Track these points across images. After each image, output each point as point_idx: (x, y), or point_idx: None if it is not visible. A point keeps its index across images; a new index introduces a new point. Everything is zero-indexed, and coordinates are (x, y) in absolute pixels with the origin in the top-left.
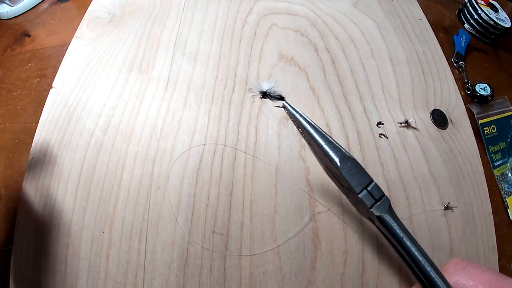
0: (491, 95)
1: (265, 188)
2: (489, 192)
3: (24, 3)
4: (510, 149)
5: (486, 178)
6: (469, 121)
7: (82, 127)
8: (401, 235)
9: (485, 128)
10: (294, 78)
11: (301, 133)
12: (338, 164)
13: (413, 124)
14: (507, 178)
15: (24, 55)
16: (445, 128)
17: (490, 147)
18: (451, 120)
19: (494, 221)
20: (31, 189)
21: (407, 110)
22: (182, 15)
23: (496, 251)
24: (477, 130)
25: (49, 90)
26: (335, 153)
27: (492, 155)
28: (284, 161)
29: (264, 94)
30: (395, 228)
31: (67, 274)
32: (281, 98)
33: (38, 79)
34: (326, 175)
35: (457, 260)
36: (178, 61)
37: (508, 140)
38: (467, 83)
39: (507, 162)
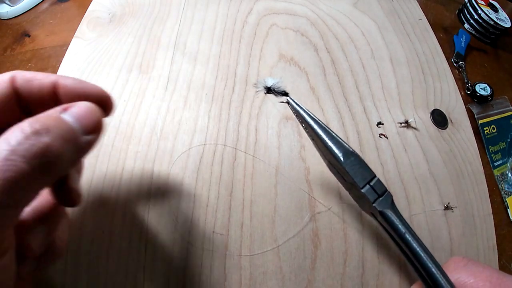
0: (491, 95)
1: (265, 188)
2: (489, 192)
3: (24, 3)
4: (510, 149)
5: (486, 178)
6: (469, 121)
7: None
8: (403, 230)
9: (485, 128)
10: (294, 78)
11: (304, 128)
12: (342, 159)
13: (413, 124)
14: (507, 178)
15: (24, 55)
16: (445, 128)
17: (490, 147)
18: (451, 120)
19: (494, 221)
20: None
21: (407, 110)
22: (182, 15)
23: (496, 251)
24: (477, 130)
25: None
26: (338, 148)
27: (492, 155)
28: (284, 161)
29: (269, 90)
30: (397, 223)
31: (67, 274)
32: (285, 93)
33: None
34: (326, 175)
35: (457, 258)
36: (178, 61)
37: (508, 140)
38: (467, 83)
39: (507, 162)
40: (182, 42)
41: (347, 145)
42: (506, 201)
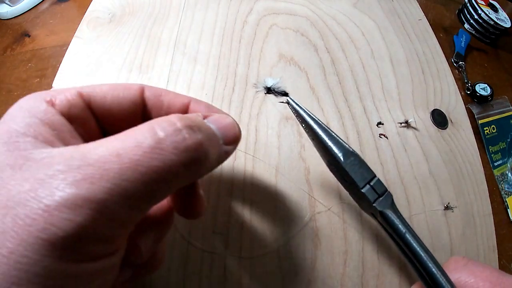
0: (491, 95)
1: (265, 188)
2: (489, 192)
3: (24, 3)
4: (510, 149)
5: (486, 178)
6: (469, 121)
7: None
8: (404, 230)
9: (485, 128)
10: (294, 78)
11: (304, 129)
12: (341, 159)
13: (413, 124)
14: (507, 178)
15: (24, 55)
16: (445, 128)
17: (490, 147)
18: (451, 120)
19: (494, 221)
20: None
21: (407, 110)
22: (182, 15)
23: (496, 251)
24: (477, 130)
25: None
26: (338, 148)
27: (492, 155)
28: (284, 161)
29: (269, 90)
30: (398, 223)
31: None
32: (285, 94)
33: (38, 79)
34: (326, 175)
35: (457, 258)
36: (178, 61)
37: (508, 140)
38: (467, 83)
39: (507, 162)
40: (182, 42)
41: (347, 145)
42: (506, 201)
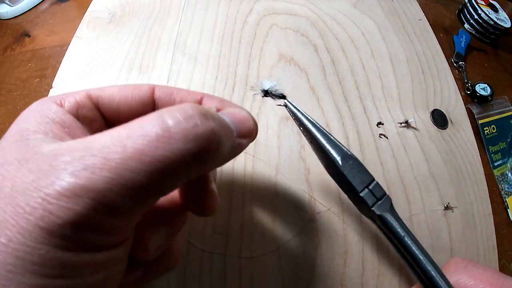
0: (491, 95)
1: (265, 188)
2: (489, 192)
3: (24, 3)
4: (510, 149)
5: (486, 178)
6: (469, 121)
7: None
8: (402, 234)
9: (485, 128)
10: (294, 78)
11: (302, 131)
12: (340, 162)
13: (413, 124)
14: (507, 178)
15: (24, 55)
16: (445, 128)
17: (490, 147)
18: (451, 120)
19: (494, 221)
20: None
21: (407, 110)
22: (182, 15)
23: (496, 251)
24: (477, 130)
25: (49, 90)
26: (337, 151)
27: (492, 155)
28: (284, 161)
29: (266, 93)
30: (396, 227)
31: None
32: (283, 96)
33: (38, 79)
34: (326, 175)
35: (457, 259)
36: (178, 61)
37: (508, 140)
38: (467, 83)
39: (507, 162)
40: (182, 42)
41: (345, 149)
42: (506, 201)
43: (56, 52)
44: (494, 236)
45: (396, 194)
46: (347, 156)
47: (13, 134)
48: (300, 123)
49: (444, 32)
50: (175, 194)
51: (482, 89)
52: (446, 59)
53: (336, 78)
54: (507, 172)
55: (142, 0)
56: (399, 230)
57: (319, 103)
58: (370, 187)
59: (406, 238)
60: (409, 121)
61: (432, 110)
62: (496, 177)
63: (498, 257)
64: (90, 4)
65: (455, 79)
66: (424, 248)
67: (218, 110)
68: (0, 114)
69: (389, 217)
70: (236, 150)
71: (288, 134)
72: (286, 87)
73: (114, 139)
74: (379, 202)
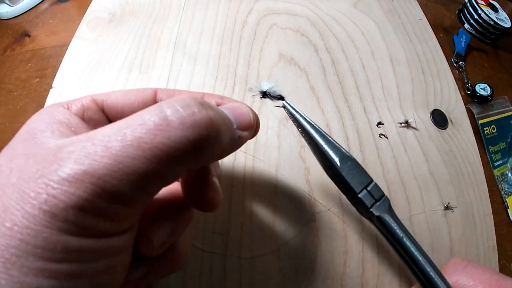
0: (491, 95)
1: (265, 188)
2: (489, 192)
3: (24, 3)
4: (510, 149)
5: (486, 178)
6: (469, 121)
7: None
8: (401, 235)
9: (485, 128)
10: (294, 78)
11: (301, 133)
12: (338, 164)
13: (413, 124)
14: (507, 178)
15: (24, 55)
16: (445, 128)
17: (490, 147)
18: (451, 120)
19: (494, 221)
20: None
21: (407, 110)
22: (182, 15)
23: (496, 251)
24: (477, 130)
25: (49, 90)
26: (335, 153)
27: (492, 155)
28: (284, 161)
29: (264, 94)
30: (395, 228)
31: None
32: (281, 98)
33: (38, 79)
34: (326, 175)
35: (457, 260)
36: (178, 61)
37: (508, 140)
38: (467, 83)
39: (507, 162)
40: (182, 42)
41: (344, 150)
42: (506, 201)
43: (56, 52)
44: (494, 236)
45: (396, 194)
46: (346, 157)
47: (22, 134)
48: (299, 125)
49: (444, 32)
50: (178, 189)
51: (482, 89)
52: (446, 59)
53: (336, 78)
54: (507, 172)
55: (142, 0)
56: (398, 231)
57: (319, 103)
58: (369, 188)
59: (404, 239)
60: (409, 121)
61: (432, 110)
62: (496, 177)
63: (498, 257)
64: (90, 4)
65: (455, 79)
66: (422, 249)
67: (218, 105)
68: (0, 114)
69: (387, 218)
70: (237, 142)
71: (288, 134)
72: (286, 87)
73: (114, 129)
74: (378, 203)
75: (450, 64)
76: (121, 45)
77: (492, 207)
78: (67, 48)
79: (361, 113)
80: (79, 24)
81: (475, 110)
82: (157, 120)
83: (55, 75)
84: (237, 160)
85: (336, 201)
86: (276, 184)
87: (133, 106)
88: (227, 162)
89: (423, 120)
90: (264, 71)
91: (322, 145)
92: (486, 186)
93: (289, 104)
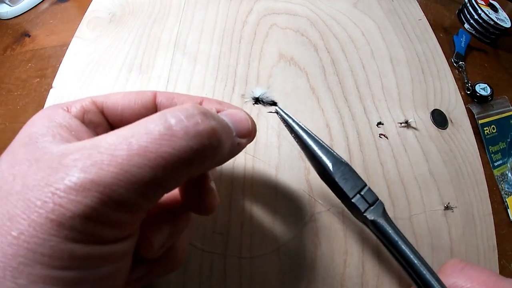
0: (491, 95)
1: (265, 188)
2: (489, 192)
3: (24, 3)
4: (510, 149)
5: (486, 178)
6: (469, 121)
7: None
8: (396, 238)
9: (485, 128)
10: (294, 78)
11: (294, 138)
12: (331, 169)
13: (413, 124)
14: (507, 178)
15: (24, 55)
16: (445, 128)
17: (490, 147)
18: (451, 120)
19: (494, 221)
20: None
21: (407, 110)
22: (182, 15)
23: (496, 251)
24: (477, 130)
25: (49, 90)
26: (328, 158)
27: (492, 155)
28: (284, 161)
29: (257, 100)
30: (390, 232)
31: None
32: (274, 103)
33: (38, 79)
34: None
35: (455, 261)
36: (178, 61)
37: (508, 140)
38: (467, 83)
39: (507, 162)
40: (182, 42)
41: (336, 155)
42: (506, 201)
43: (56, 52)
44: (494, 236)
45: (396, 194)
46: (338, 162)
47: (22, 138)
48: (291, 130)
49: (444, 32)
50: (176, 193)
51: (482, 89)
52: (446, 59)
53: (336, 78)
54: (507, 172)
55: (142, 0)
56: (393, 235)
57: (319, 103)
58: (362, 193)
59: (399, 243)
60: (409, 121)
61: (432, 110)
62: (496, 177)
63: (498, 257)
64: (90, 4)
65: (455, 79)
66: (418, 252)
67: (217, 111)
68: (0, 114)
69: (382, 222)
70: (236, 149)
71: (288, 134)
72: (286, 87)
73: (120, 137)
74: (371, 208)
75: (450, 64)
76: (121, 45)
77: (492, 207)
78: (67, 48)
79: (361, 113)
80: (79, 24)
81: (475, 110)
82: (162, 129)
83: (55, 75)
84: (237, 160)
85: (336, 201)
86: (276, 184)
87: (133, 109)
88: (227, 162)
89: (423, 120)
90: (264, 71)
91: (314, 150)
92: (486, 186)
93: (281, 110)
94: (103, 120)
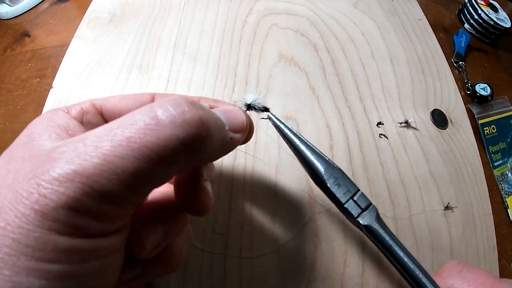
0: (491, 95)
1: (265, 188)
2: (489, 192)
3: (24, 3)
4: (510, 149)
5: (486, 178)
6: (469, 121)
7: None
8: (390, 243)
9: (485, 128)
10: (294, 78)
11: (287, 143)
12: (323, 174)
13: (413, 124)
14: (507, 178)
15: (24, 55)
16: (445, 128)
17: (490, 147)
18: (451, 120)
19: (494, 221)
20: None
21: (407, 110)
22: (182, 15)
23: (496, 251)
24: (477, 130)
25: (49, 90)
26: (320, 163)
27: (492, 155)
28: (284, 161)
29: (249, 107)
30: (384, 236)
31: None
32: (266, 109)
33: (38, 79)
34: None
35: (452, 263)
36: (178, 61)
37: (508, 140)
38: (467, 83)
39: (507, 162)
40: (182, 42)
41: (329, 160)
42: (506, 201)
43: (56, 52)
44: (494, 236)
45: (396, 194)
46: (331, 168)
47: (22, 138)
48: (284, 136)
49: (444, 32)
50: (171, 193)
51: (482, 89)
52: (446, 59)
53: (336, 78)
54: (507, 172)
55: (142, 0)
56: (387, 239)
57: (319, 103)
58: (355, 198)
59: (393, 247)
60: (409, 121)
61: (432, 110)
62: (496, 177)
63: (498, 257)
64: (90, 4)
65: (455, 79)
66: (413, 256)
67: (211, 107)
68: (0, 114)
69: (375, 227)
70: (229, 144)
71: None
72: (286, 87)
73: (106, 130)
74: (364, 213)
75: (450, 64)
76: (121, 45)
77: (492, 207)
78: (67, 48)
79: (361, 113)
80: (79, 24)
81: (475, 110)
82: (147, 119)
83: (55, 75)
84: (237, 160)
85: None
86: (276, 184)
87: (131, 111)
88: (227, 162)
89: (423, 120)
90: (264, 71)
91: (307, 156)
92: (486, 186)
93: (274, 116)
94: (102, 122)
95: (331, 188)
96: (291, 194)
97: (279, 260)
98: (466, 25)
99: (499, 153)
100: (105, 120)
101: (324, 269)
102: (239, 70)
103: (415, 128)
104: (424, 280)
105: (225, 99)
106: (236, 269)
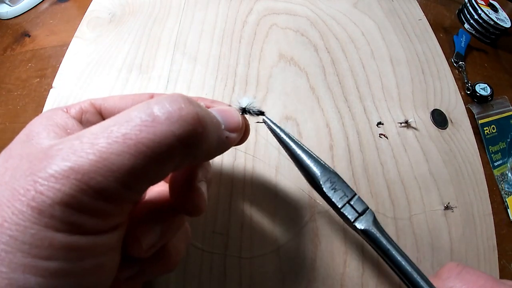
0: (491, 95)
1: (265, 188)
2: (489, 192)
3: (24, 3)
4: (510, 149)
5: (486, 178)
6: (469, 121)
7: None
8: (387, 247)
9: (485, 128)
10: (294, 78)
11: (282, 147)
12: (319, 179)
13: (413, 124)
14: (507, 178)
15: (24, 55)
16: (445, 128)
17: (490, 147)
18: (451, 120)
19: (494, 221)
20: None
21: (407, 110)
22: (182, 15)
23: (496, 251)
24: (477, 130)
25: (49, 90)
26: (316, 167)
27: (492, 155)
28: (284, 161)
29: (244, 111)
30: (381, 240)
31: None
32: (261, 113)
33: (38, 79)
34: None
35: (452, 265)
36: (178, 61)
37: (508, 140)
38: (467, 83)
39: (507, 162)
40: (182, 42)
41: (325, 164)
42: (506, 201)
43: (56, 52)
44: (494, 236)
45: (396, 194)
46: (327, 172)
47: (21, 136)
48: (279, 140)
49: (444, 32)
50: (167, 193)
51: (482, 89)
52: (446, 59)
53: (336, 78)
54: (507, 172)
55: (142, 0)
56: (384, 243)
57: (319, 103)
58: (352, 202)
59: (391, 251)
60: (409, 121)
61: (432, 110)
62: (496, 177)
63: (498, 257)
64: (90, 4)
65: (455, 79)
66: (410, 259)
67: (208, 107)
68: (0, 114)
69: (373, 231)
70: (225, 143)
71: None
72: (286, 87)
73: (103, 127)
74: (361, 217)
75: (450, 64)
76: (121, 45)
77: (492, 207)
78: (67, 48)
79: (361, 113)
80: (79, 24)
81: (475, 110)
82: (144, 116)
83: (55, 75)
84: (237, 160)
85: None
86: (276, 184)
87: None
88: (227, 162)
89: (423, 120)
90: (264, 71)
91: (303, 160)
92: (486, 186)
93: (269, 119)
94: (101, 121)
95: (327, 193)
96: (291, 194)
97: (279, 260)
98: (466, 25)
99: (499, 153)
100: (104, 120)
101: (324, 269)
102: (239, 70)
103: (415, 128)
104: (422, 283)
105: (225, 99)
106: (236, 269)
